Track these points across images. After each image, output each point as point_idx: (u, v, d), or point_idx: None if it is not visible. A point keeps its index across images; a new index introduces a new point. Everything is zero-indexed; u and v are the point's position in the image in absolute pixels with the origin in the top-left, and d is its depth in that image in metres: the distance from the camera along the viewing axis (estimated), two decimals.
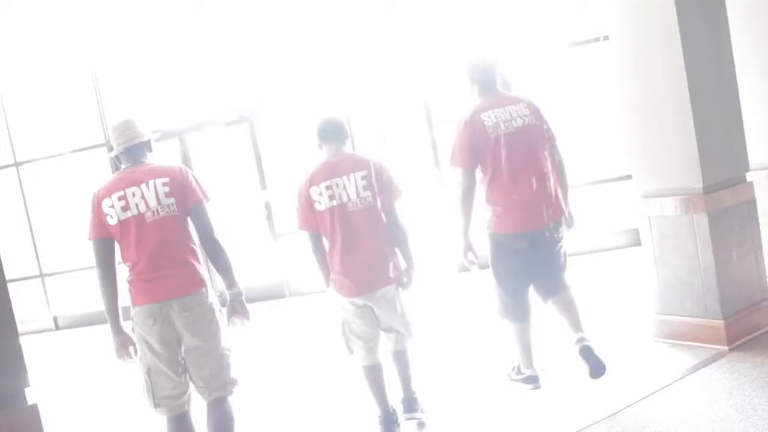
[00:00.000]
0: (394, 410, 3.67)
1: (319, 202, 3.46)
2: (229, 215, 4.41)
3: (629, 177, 4.43)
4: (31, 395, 2.45)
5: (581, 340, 3.66)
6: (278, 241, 8.01)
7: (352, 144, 3.81)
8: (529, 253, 3.65)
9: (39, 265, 8.76)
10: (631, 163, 4.35)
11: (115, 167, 4.10)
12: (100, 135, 8.32)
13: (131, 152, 3.19)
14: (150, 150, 3.26)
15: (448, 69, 7.24)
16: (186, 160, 8.12)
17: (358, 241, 3.45)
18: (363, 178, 3.47)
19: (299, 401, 4.59)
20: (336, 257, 3.48)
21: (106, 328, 3.14)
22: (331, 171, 3.50)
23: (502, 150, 3.59)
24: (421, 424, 3.75)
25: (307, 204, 3.50)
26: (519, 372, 4.00)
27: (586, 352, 3.61)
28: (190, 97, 8.05)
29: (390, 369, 3.73)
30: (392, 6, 7.37)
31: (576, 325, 3.71)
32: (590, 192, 7.17)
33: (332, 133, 3.60)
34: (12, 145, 8.69)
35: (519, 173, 3.61)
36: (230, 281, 3.17)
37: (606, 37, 4.37)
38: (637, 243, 4.53)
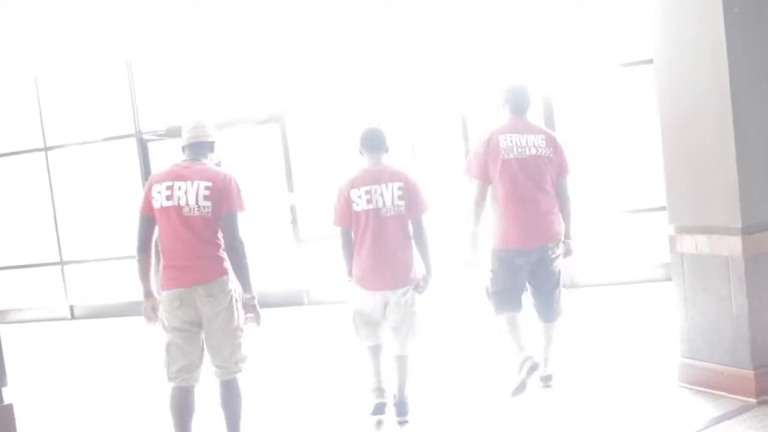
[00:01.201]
0: (384, 388, 4.13)
1: (357, 204, 4.00)
2: (253, 217, 4.49)
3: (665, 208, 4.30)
4: (8, 394, 2.45)
5: (546, 378, 4.27)
6: (301, 246, 8.01)
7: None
8: (526, 269, 4.14)
9: (60, 252, 8.90)
10: (666, 194, 4.21)
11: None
12: (131, 125, 8.45)
13: (194, 148, 3.67)
14: (212, 151, 3.71)
15: (487, 81, 7.21)
16: None
17: (385, 243, 3.97)
18: (399, 189, 4.00)
19: (303, 411, 4.59)
20: (363, 254, 3.99)
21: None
22: (372, 178, 4.03)
23: (509, 172, 4.08)
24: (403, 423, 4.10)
25: (346, 203, 4.02)
26: (519, 369, 4.07)
27: (530, 375, 4.02)
28: (222, 93, 8.12)
29: (390, 371, 4.16)
30: (435, 15, 7.33)
31: (545, 359, 4.26)
32: (626, 221, 7.03)
33: (376, 144, 4.13)
34: (43, 130, 8.86)
35: (521, 196, 4.08)
36: (246, 286, 3.60)
37: (651, 60, 4.25)
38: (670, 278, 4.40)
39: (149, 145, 8.47)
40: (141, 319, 3.72)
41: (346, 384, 4.95)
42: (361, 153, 4.16)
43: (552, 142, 4.18)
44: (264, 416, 4.44)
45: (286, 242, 8.01)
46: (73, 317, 8.88)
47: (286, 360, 5.83)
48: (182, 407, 3.59)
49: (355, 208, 4.01)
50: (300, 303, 7.96)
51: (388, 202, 3.99)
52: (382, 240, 3.98)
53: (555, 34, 7.05)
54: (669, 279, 4.28)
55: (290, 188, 8.02)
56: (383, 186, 4.01)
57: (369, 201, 3.99)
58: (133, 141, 8.46)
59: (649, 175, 6.84)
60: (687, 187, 4.08)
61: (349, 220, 4.04)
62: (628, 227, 7.04)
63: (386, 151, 4.16)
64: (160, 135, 8.33)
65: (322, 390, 4.95)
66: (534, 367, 4.03)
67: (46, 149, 8.90)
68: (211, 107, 8.13)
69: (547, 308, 4.28)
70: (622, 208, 7.04)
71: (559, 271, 4.24)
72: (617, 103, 7.02)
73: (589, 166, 7.14)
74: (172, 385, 3.59)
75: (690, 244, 4.04)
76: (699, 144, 3.98)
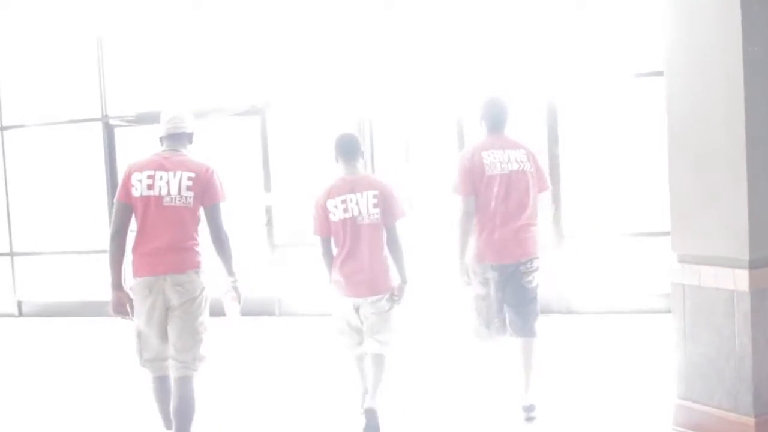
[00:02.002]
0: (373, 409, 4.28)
1: (334, 213, 4.31)
2: (224, 216, 4.48)
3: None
4: None
5: (528, 409, 4.41)
6: (275, 251, 7.94)
7: (371, 159, 4.63)
8: (501, 284, 4.38)
9: (10, 242, 8.80)
10: (670, 218, 4.17)
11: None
12: (98, 108, 8.35)
13: (173, 139, 3.97)
14: (190, 142, 4.04)
15: (487, 87, 7.19)
16: None
17: (362, 251, 4.28)
18: (374, 197, 4.30)
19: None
20: (340, 261, 4.32)
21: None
22: (347, 187, 4.33)
23: (493, 188, 4.35)
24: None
25: (324, 213, 4.34)
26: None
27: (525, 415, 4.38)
28: (199, 80, 8.05)
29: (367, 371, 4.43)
30: (435, 13, 7.32)
31: (526, 385, 4.43)
32: (627, 245, 7.01)
33: (350, 152, 4.42)
34: None
35: (504, 211, 4.34)
36: (229, 270, 3.98)
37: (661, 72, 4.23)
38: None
39: (116, 131, 8.38)
40: (96, 319, 3.87)
41: (319, 401, 4.95)
42: (336, 160, 4.44)
43: (532, 157, 4.46)
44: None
45: (259, 246, 7.94)
46: (20, 314, 8.76)
47: (253, 374, 5.76)
48: (161, 394, 3.93)
49: (332, 218, 4.31)
50: (270, 313, 7.89)
51: (364, 211, 4.29)
52: (358, 248, 4.29)
53: (561, 40, 7.05)
54: (668, 311, 4.25)
55: (267, 187, 7.95)
56: (359, 195, 4.31)
57: (345, 210, 4.30)
58: (99, 126, 8.37)
59: (654, 196, 6.86)
60: (693, 212, 4.03)
61: (327, 229, 4.36)
62: (630, 252, 7.02)
63: (361, 156, 4.51)
64: (129, 121, 8.25)
65: (290, 407, 4.90)
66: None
67: (2, 128, 8.80)
68: (186, 95, 8.07)
69: (523, 324, 4.46)
70: (623, 231, 7.03)
71: (535, 288, 4.45)
72: (624, 115, 7.02)
73: (590, 182, 7.15)
74: (147, 372, 3.96)
75: (693, 274, 4.00)
76: (708, 166, 3.93)
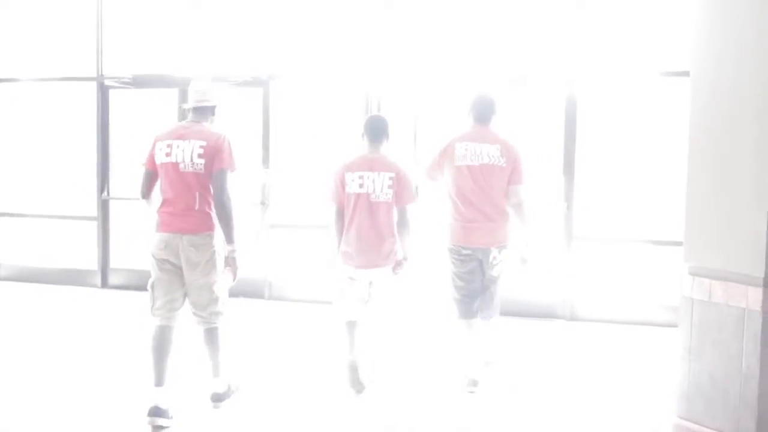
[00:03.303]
0: (356, 362, 4.97)
1: (350, 186, 4.85)
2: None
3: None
4: None
5: (488, 363, 5.22)
6: (269, 232, 7.91)
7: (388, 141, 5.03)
8: (471, 265, 4.99)
9: None
10: (685, 228, 4.14)
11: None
12: (93, 67, 8.32)
13: (197, 111, 4.52)
14: (213, 114, 4.55)
15: (502, 76, 7.15)
16: (182, 114, 8.06)
17: (371, 225, 4.81)
18: (390, 178, 4.84)
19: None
20: (350, 233, 4.84)
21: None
22: (366, 165, 4.87)
23: (461, 177, 4.96)
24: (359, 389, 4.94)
25: (340, 183, 4.89)
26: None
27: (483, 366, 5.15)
28: (200, 45, 8.02)
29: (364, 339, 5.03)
30: None
31: (490, 352, 5.25)
32: (640, 252, 6.97)
33: (376, 133, 4.95)
34: None
35: (470, 200, 4.94)
36: (229, 238, 4.37)
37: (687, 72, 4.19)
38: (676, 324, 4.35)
39: (111, 92, 8.36)
40: (77, 289, 3.98)
41: (303, 388, 4.97)
42: (362, 137, 4.99)
43: (507, 152, 4.95)
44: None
45: (252, 225, 7.91)
46: None
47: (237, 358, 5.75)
48: (160, 344, 4.40)
49: (347, 189, 4.86)
50: (260, 296, 7.88)
51: (378, 189, 4.82)
52: (368, 222, 4.82)
53: (584, 32, 6.99)
54: (675, 325, 4.22)
55: (265, 163, 7.92)
56: (376, 174, 4.85)
57: (360, 186, 4.84)
58: (93, 85, 8.34)
59: (669, 203, 6.83)
60: (709, 223, 4.00)
61: (342, 198, 4.90)
62: (640, 260, 6.99)
63: (387, 139, 4.99)
64: (125, 83, 8.23)
65: (273, 392, 4.92)
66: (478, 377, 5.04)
67: None
68: (186, 60, 8.04)
69: (483, 307, 5.08)
70: (634, 237, 6.99)
71: (499, 275, 5.04)
72: (645, 116, 6.97)
73: (605, 183, 7.11)
74: (155, 322, 4.42)
75: (703, 289, 3.98)
76: (730, 175, 3.90)
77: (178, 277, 4.40)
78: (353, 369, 4.96)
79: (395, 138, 5.32)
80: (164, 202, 4.43)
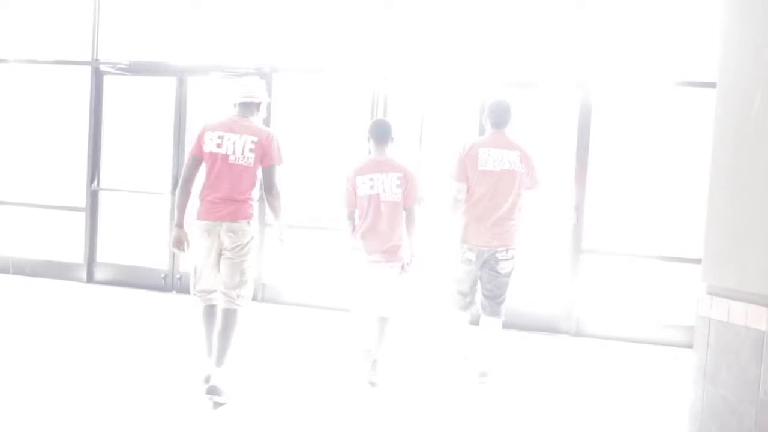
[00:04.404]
0: (376, 358, 5.43)
1: (361, 189, 5.34)
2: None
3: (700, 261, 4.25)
4: None
5: (482, 374, 5.48)
6: (263, 231, 7.90)
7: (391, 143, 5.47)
8: (476, 264, 5.44)
9: None
10: (704, 245, 4.15)
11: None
12: (89, 51, 8.31)
13: (244, 106, 4.98)
14: (258, 110, 5.04)
15: (514, 78, 7.16)
16: (180, 104, 8.06)
17: (382, 224, 5.29)
18: (398, 179, 5.31)
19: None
20: (362, 231, 5.34)
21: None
22: (375, 167, 5.36)
23: (482, 181, 5.38)
24: (373, 384, 5.34)
25: (352, 188, 5.38)
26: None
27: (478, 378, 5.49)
28: (202, 35, 8.01)
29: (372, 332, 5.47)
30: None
31: (483, 354, 5.51)
32: (652, 269, 6.98)
33: (381, 136, 5.41)
34: None
35: (488, 204, 5.37)
36: (280, 222, 5.08)
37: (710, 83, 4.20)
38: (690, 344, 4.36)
39: (106, 78, 8.34)
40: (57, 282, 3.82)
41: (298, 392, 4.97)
42: (368, 141, 5.48)
43: (525, 159, 5.39)
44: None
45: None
46: None
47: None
48: (207, 319, 5.02)
49: (359, 193, 5.35)
50: (253, 298, 7.84)
51: (387, 190, 5.30)
52: (379, 221, 5.30)
53: (600, 38, 7.01)
54: (688, 345, 4.23)
55: None
56: (384, 175, 5.32)
57: (371, 187, 5.32)
58: (88, 70, 8.33)
59: (685, 218, 6.85)
60: (730, 241, 4.01)
61: (354, 202, 5.39)
62: (651, 277, 7.00)
63: (391, 141, 5.43)
64: (121, 69, 8.22)
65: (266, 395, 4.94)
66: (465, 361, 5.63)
67: None
68: (187, 49, 8.04)
69: (491, 305, 5.49)
70: (647, 253, 7.00)
71: (508, 274, 5.45)
72: (663, 127, 6.99)
73: (615, 195, 7.12)
74: (199, 303, 5.04)
75: (722, 309, 3.98)
76: (753, 193, 3.91)
77: (217, 263, 4.91)
78: (369, 362, 5.42)
79: (401, 137, 5.68)
80: (206, 191, 4.90)
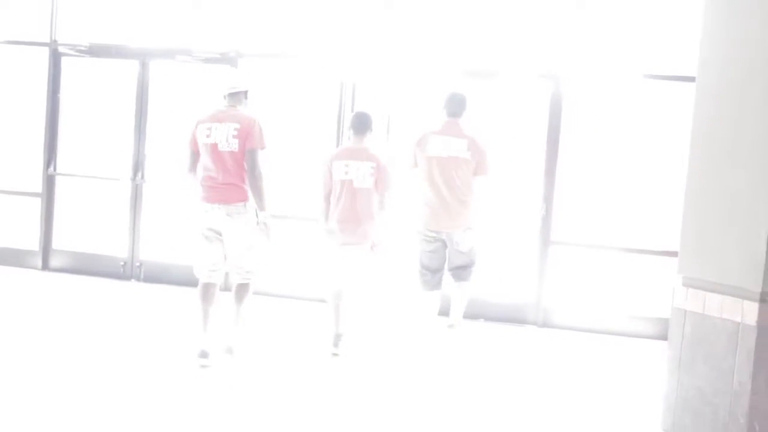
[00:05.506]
0: (341, 333, 5.90)
1: (336, 173, 5.81)
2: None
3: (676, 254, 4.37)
4: None
5: (450, 325, 6.18)
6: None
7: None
8: (435, 245, 6.00)
9: None
10: (681, 237, 4.28)
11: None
12: (47, 32, 8.17)
13: (231, 97, 5.44)
14: (246, 98, 5.50)
15: (486, 68, 7.24)
16: (142, 88, 7.99)
17: (353, 208, 5.76)
18: (371, 167, 5.79)
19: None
20: (336, 214, 5.81)
21: None
22: (351, 155, 5.86)
23: (430, 167, 5.92)
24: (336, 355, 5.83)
25: (329, 172, 5.86)
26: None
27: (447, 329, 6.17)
28: (166, 17, 7.94)
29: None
30: None
31: (453, 312, 6.15)
32: (620, 261, 7.13)
33: (359, 126, 5.91)
34: None
35: (436, 189, 5.90)
36: (261, 206, 5.38)
37: (693, 78, 4.32)
38: (665, 337, 4.48)
39: (64, 60, 8.22)
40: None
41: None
42: (349, 130, 6.02)
43: (473, 147, 5.87)
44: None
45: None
46: None
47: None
48: (204, 296, 5.43)
49: (334, 177, 5.83)
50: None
51: (361, 176, 5.77)
52: (351, 205, 5.77)
53: (570, 28, 7.11)
54: (661, 338, 4.35)
55: None
56: (360, 163, 5.80)
57: (346, 173, 5.79)
58: (46, 51, 8.20)
59: (654, 211, 7.00)
60: (707, 233, 4.14)
61: (330, 185, 5.86)
62: (620, 269, 7.15)
63: (370, 131, 5.93)
64: (80, 51, 8.10)
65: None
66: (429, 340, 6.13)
67: None
68: (150, 32, 7.96)
69: (458, 273, 6.06)
70: (617, 245, 7.15)
71: (470, 252, 5.97)
72: (633, 119, 7.12)
73: (586, 187, 7.25)
74: (200, 280, 5.46)
75: (697, 301, 4.11)
76: (730, 187, 4.04)
77: (218, 242, 5.39)
78: (337, 338, 5.87)
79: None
80: (205, 177, 5.37)
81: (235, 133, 5.29)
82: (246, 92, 5.51)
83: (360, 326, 6.19)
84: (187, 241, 7.49)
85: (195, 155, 5.44)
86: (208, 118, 5.40)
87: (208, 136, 5.34)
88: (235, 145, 5.29)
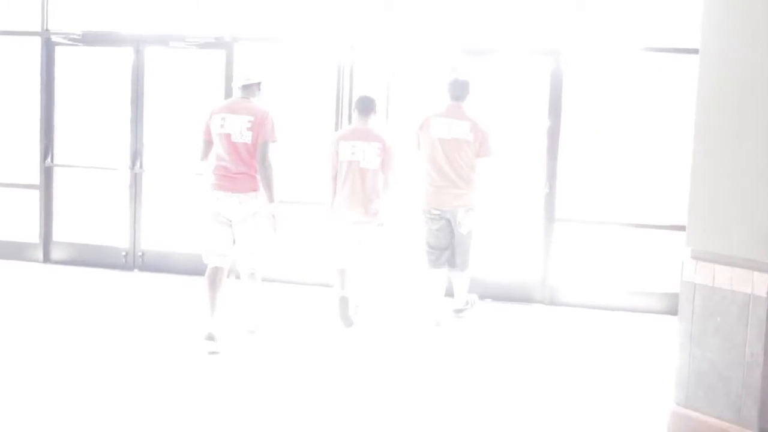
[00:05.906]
0: (346, 298, 6.18)
1: (343, 154, 6.08)
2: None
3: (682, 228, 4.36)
4: None
5: (458, 311, 6.54)
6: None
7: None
8: (440, 224, 6.25)
9: None
10: (688, 210, 4.26)
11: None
12: (38, 21, 8.13)
13: (245, 89, 5.62)
14: (259, 90, 5.67)
15: (485, 44, 7.21)
16: (137, 75, 7.95)
17: (360, 187, 6.03)
18: (378, 148, 6.03)
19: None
20: (342, 193, 6.07)
21: None
22: (357, 135, 6.11)
23: (433, 149, 6.20)
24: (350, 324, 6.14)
25: (335, 152, 6.12)
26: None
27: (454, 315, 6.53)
28: (160, 1, 7.89)
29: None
30: None
31: (458, 299, 6.51)
32: (628, 236, 7.13)
33: (364, 108, 6.16)
34: None
35: (439, 169, 6.17)
36: (270, 197, 5.53)
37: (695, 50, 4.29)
38: (673, 312, 4.48)
39: (57, 49, 8.17)
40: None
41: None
42: (354, 112, 6.33)
43: (474, 129, 6.13)
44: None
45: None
46: None
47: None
48: (212, 281, 5.54)
49: (341, 157, 6.08)
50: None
51: (367, 157, 6.01)
52: (357, 184, 6.03)
53: (572, 5, 7.08)
54: (669, 312, 4.34)
55: None
56: (365, 143, 6.04)
57: (352, 154, 6.05)
58: (38, 41, 8.16)
59: (667, 186, 6.98)
60: (715, 205, 4.11)
61: (337, 164, 6.09)
62: (628, 244, 7.14)
63: (374, 113, 6.18)
64: (73, 39, 8.06)
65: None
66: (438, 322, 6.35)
67: None
68: (140, 16, 7.92)
69: (455, 259, 6.32)
70: (623, 221, 7.14)
71: (468, 233, 6.24)
72: (639, 93, 7.09)
73: (589, 163, 7.24)
74: (208, 265, 5.57)
75: (707, 273, 4.09)
76: (737, 158, 4.01)
77: (228, 228, 5.52)
78: (343, 304, 6.12)
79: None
80: (218, 166, 5.53)
81: (249, 125, 5.45)
82: (259, 84, 5.65)
83: (367, 302, 6.43)
84: (188, 229, 7.58)
85: (208, 144, 5.60)
86: (222, 109, 5.60)
87: (222, 126, 5.49)
88: (248, 137, 5.44)
